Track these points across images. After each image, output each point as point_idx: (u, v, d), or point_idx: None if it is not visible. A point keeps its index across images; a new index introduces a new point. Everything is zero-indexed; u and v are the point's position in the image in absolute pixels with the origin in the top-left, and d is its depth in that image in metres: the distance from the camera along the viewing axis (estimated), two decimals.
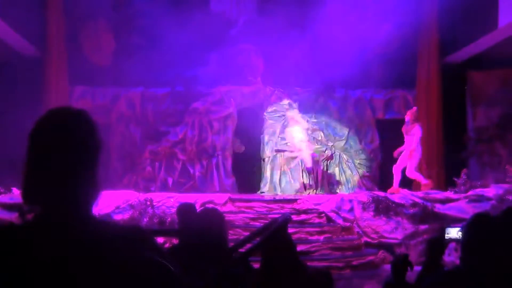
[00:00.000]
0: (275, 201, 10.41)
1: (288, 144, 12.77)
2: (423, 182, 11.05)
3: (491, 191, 10.02)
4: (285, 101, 13.08)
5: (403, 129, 11.28)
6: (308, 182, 12.25)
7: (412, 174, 11.16)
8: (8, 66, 11.57)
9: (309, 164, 12.14)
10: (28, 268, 1.28)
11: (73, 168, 1.38)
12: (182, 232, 4.38)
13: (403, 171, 11.24)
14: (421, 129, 11.08)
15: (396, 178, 11.27)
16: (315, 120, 13.14)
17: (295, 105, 13.02)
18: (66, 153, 1.38)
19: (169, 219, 9.08)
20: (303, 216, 9.76)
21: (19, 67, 11.66)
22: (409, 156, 11.07)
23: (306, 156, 12.20)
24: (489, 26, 10.97)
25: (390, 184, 11.64)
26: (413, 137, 11.06)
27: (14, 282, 1.28)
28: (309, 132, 12.78)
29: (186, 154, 12.45)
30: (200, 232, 2.77)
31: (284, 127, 12.94)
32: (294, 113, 12.74)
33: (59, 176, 1.37)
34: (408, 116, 11.23)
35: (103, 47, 12.52)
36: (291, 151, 12.60)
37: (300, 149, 12.34)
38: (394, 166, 11.35)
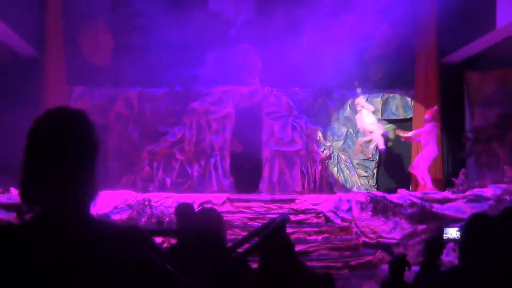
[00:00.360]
0: (273, 201, 10.39)
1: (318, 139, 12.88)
2: (429, 186, 11.06)
3: (489, 191, 10.03)
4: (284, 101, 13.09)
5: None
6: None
7: (423, 173, 11.27)
8: (6, 66, 11.55)
9: (381, 145, 12.51)
10: (28, 268, 1.28)
11: (71, 168, 1.38)
12: (180, 232, 4.38)
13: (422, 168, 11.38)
14: (430, 129, 11.13)
15: (426, 177, 11.33)
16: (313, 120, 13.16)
17: (359, 90, 13.18)
18: (65, 153, 1.38)
19: (167, 219, 9.08)
20: (301, 216, 9.76)
21: (18, 67, 11.65)
22: (426, 154, 11.28)
23: (378, 138, 12.52)
24: (487, 26, 10.97)
25: (389, 184, 11.65)
26: (427, 135, 11.16)
27: (14, 282, 1.28)
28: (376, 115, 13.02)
29: (184, 154, 12.41)
30: (198, 232, 2.76)
31: (283, 126, 12.91)
32: (360, 99, 12.97)
33: (58, 176, 1.37)
34: (427, 115, 11.43)
35: (101, 47, 12.51)
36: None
37: (372, 131, 12.62)
38: (412, 166, 11.47)
